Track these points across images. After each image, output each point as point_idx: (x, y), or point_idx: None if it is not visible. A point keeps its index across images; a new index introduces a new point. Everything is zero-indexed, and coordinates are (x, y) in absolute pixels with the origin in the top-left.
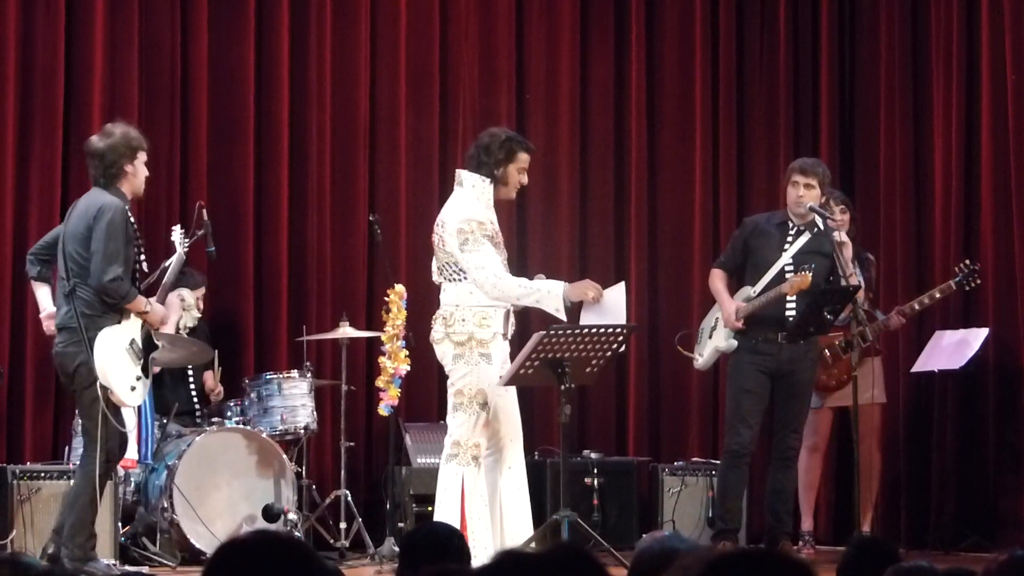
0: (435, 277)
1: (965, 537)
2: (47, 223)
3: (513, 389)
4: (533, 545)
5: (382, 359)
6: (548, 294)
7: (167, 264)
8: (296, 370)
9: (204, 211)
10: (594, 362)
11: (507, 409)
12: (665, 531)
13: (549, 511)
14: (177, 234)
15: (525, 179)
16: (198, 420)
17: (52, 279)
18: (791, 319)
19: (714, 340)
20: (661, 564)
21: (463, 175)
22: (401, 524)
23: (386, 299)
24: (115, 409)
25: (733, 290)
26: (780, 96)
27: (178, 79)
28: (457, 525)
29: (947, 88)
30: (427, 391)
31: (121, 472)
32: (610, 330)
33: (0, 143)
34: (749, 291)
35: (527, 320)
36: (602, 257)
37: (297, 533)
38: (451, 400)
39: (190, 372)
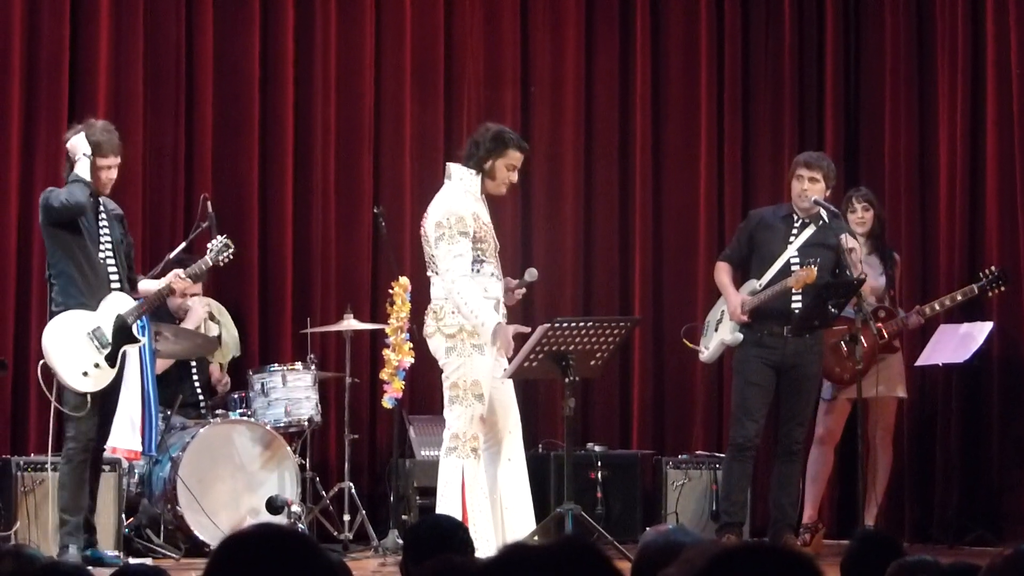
0: (428, 271)
1: (969, 531)
2: None
3: (510, 381)
4: (536, 538)
5: (386, 351)
6: (482, 327)
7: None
8: (300, 362)
9: (209, 203)
10: (598, 355)
11: (504, 401)
12: (669, 525)
13: (553, 504)
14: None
15: (515, 177)
16: (202, 412)
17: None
18: (797, 313)
19: (720, 333)
20: (665, 558)
21: (452, 168)
22: (405, 516)
23: (390, 292)
24: (101, 396)
25: (738, 283)
26: (785, 89)
27: (183, 72)
28: (459, 518)
29: (952, 82)
30: (431, 384)
31: (125, 464)
32: (614, 322)
33: (5, 135)
34: (755, 284)
35: (531, 313)
36: (607, 249)
37: (301, 525)
38: (447, 394)
39: (193, 364)
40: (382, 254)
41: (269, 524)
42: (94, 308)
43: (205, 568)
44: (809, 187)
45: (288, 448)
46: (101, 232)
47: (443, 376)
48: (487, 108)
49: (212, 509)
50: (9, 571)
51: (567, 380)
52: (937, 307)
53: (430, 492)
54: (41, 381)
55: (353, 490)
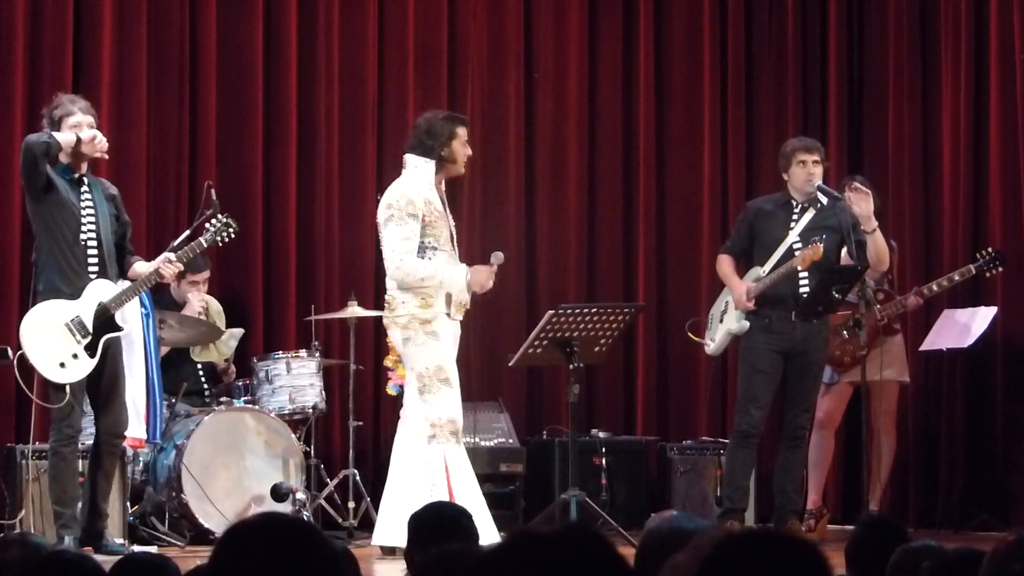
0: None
1: (974, 516)
2: None
3: (453, 368)
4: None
5: (390, 339)
6: (450, 278)
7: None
8: (304, 349)
9: (212, 191)
10: (603, 341)
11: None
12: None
13: (557, 491)
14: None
15: (469, 150)
16: (206, 400)
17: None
18: (805, 296)
19: (725, 323)
20: (670, 544)
21: (408, 159)
22: None
23: None
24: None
25: (741, 275)
26: (788, 75)
27: (187, 59)
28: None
29: (956, 67)
30: None
31: (130, 452)
32: (618, 309)
33: (9, 122)
34: (759, 271)
35: (535, 299)
36: (610, 235)
37: (305, 512)
38: (415, 384)
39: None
40: None
41: (273, 512)
42: (75, 295)
43: (210, 556)
44: (814, 170)
45: (292, 435)
46: (83, 210)
47: (408, 369)
48: (490, 94)
49: (217, 497)
50: (15, 559)
51: (571, 366)
52: (935, 288)
53: None
54: (16, 373)
55: (357, 477)
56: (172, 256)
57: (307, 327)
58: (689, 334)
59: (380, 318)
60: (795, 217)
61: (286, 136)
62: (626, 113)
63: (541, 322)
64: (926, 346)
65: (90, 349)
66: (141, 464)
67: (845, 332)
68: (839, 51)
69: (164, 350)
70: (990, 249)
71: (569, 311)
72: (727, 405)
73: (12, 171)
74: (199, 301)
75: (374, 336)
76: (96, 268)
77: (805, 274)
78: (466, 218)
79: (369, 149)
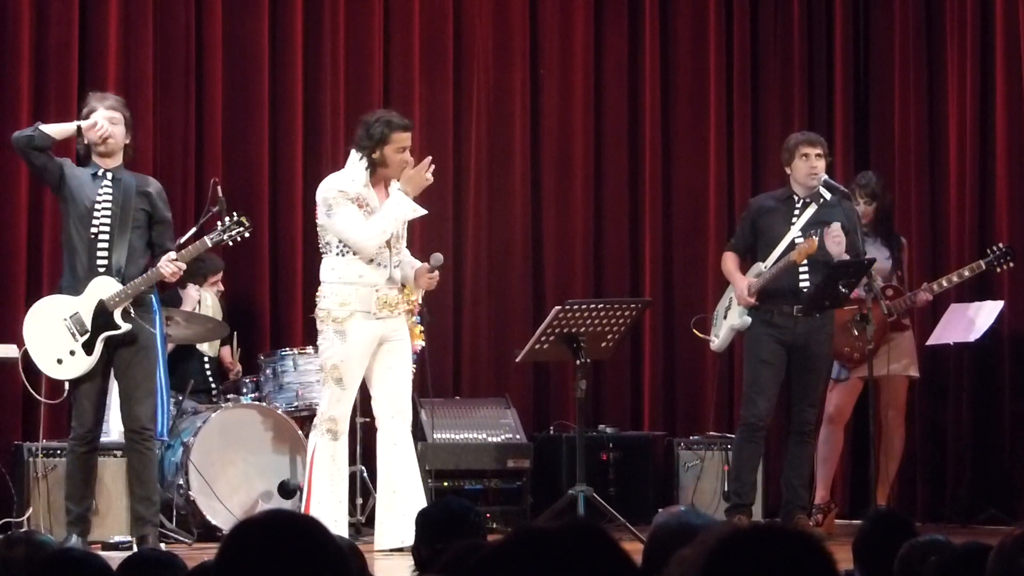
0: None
1: (982, 510)
2: None
3: (404, 367)
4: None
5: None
6: (396, 204)
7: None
8: (311, 346)
9: (219, 188)
10: (610, 336)
11: (390, 385)
12: (681, 506)
13: (565, 486)
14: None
15: (408, 157)
16: (214, 397)
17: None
18: (805, 290)
19: (728, 319)
20: (677, 539)
21: (351, 153)
22: None
23: None
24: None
25: (746, 271)
26: (795, 71)
27: (193, 55)
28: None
29: (961, 63)
30: (442, 367)
31: None
32: (625, 304)
33: (15, 118)
34: (761, 267)
35: (541, 295)
36: (617, 231)
37: None
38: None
39: (203, 348)
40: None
41: (281, 509)
42: (79, 291)
43: (217, 553)
44: (818, 164)
45: (299, 432)
46: (99, 205)
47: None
48: (496, 90)
49: (224, 494)
50: (21, 557)
51: (578, 362)
52: (945, 283)
53: (441, 475)
54: (20, 368)
55: (364, 473)
56: (173, 255)
57: (314, 324)
58: (694, 330)
59: None
60: (797, 213)
61: (292, 133)
62: (632, 109)
63: (548, 318)
64: (932, 340)
65: (87, 347)
66: None
67: (854, 329)
68: (845, 47)
69: (170, 347)
70: (1001, 245)
71: (576, 307)
72: (734, 399)
73: (18, 170)
74: (196, 293)
75: None
76: (105, 264)
77: (805, 268)
78: (472, 213)
79: None
